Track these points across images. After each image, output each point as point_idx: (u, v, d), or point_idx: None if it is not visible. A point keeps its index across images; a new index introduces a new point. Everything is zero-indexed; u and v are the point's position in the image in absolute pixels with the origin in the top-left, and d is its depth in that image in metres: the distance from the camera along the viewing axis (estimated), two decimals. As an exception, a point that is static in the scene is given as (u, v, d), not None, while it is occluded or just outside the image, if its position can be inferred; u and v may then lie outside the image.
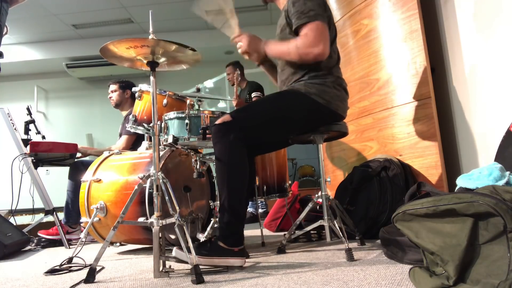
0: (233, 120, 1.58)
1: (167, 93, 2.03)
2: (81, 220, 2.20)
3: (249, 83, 3.93)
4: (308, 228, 1.83)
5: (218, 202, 1.97)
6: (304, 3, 1.66)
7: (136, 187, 1.50)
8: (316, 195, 1.81)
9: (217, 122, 1.60)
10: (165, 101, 2.01)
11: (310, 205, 1.82)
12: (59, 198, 3.03)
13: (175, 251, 1.44)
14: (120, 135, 3.12)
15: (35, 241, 2.81)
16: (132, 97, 3.29)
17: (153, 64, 1.57)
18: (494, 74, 1.84)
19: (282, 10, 1.80)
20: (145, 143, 2.40)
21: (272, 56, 1.81)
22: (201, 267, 1.34)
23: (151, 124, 1.67)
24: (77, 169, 2.78)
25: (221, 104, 5.98)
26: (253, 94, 3.73)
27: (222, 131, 1.57)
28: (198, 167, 1.96)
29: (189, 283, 1.30)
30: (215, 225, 1.99)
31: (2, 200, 3.07)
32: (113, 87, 3.23)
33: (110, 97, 3.24)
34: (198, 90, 2.18)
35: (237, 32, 1.79)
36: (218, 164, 1.57)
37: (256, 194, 2.20)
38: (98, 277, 1.46)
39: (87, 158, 3.15)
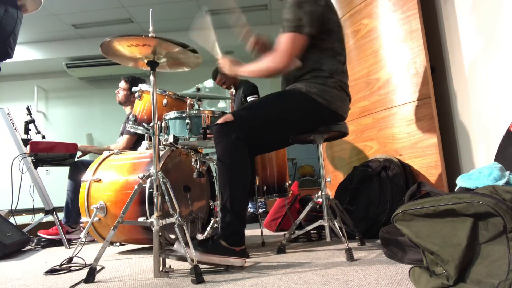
0: (234, 120, 1.59)
1: (167, 93, 2.03)
2: (81, 220, 2.20)
3: (242, 82, 3.79)
4: (308, 228, 1.83)
5: (218, 202, 1.97)
6: (293, 10, 1.66)
7: (136, 187, 1.50)
8: (316, 195, 1.81)
9: (219, 121, 1.60)
10: (165, 101, 2.01)
11: (310, 205, 1.82)
12: (59, 198, 3.03)
13: (176, 246, 1.44)
14: (122, 134, 3.12)
15: (35, 241, 2.81)
16: None
17: (153, 64, 1.57)
18: (494, 74, 1.84)
19: None
20: (145, 143, 2.40)
21: (244, 75, 1.87)
22: (201, 267, 1.34)
23: (151, 124, 1.67)
24: (77, 169, 2.78)
25: (221, 104, 5.98)
26: (249, 98, 3.62)
27: (224, 130, 1.57)
28: (198, 167, 1.97)
29: (189, 283, 1.30)
30: (215, 225, 1.99)
31: (2, 200, 3.06)
32: (124, 85, 3.19)
33: (117, 92, 3.22)
34: (198, 90, 2.18)
35: (220, 56, 1.91)
36: (220, 164, 1.57)
37: (256, 194, 2.20)
38: (98, 277, 1.47)
39: (87, 158, 3.15)
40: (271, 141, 1.95)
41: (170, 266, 1.53)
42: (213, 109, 2.14)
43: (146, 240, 2.14)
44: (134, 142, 2.97)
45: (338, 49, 1.78)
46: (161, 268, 1.47)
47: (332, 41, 1.75)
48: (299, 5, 1.66)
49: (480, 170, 1.22)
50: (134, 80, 3.17)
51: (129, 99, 3.19)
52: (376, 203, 2.05)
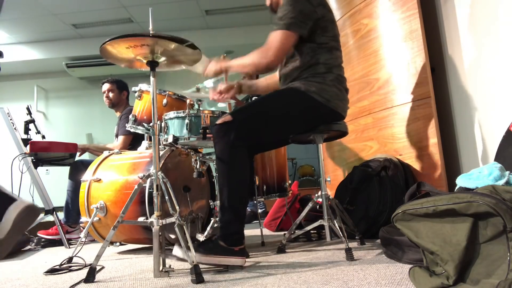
0: (233, 120, 1.59)
1: (167, 92, 2.03)
2: (81, 220, 2.20)
3: None
4: (308, 228, 1.83)
5: (218, 201, 1.97)
6: (286, 8, 1.67)
7: (136, 186, 1.50)
8: (316, 195, 1.81)
9: (218, 122, 1.61)
10: (165, 100, 2.01)
11: (310, 204, 1.82)
12: (59, 198, 3.03)
13: (175, 250, 1.44)
14: (116, 136, 3.11)
15: (35, 240, 2.81)
16: (128, 98, 3.26)
17: (153, 64, 1.57)
18: (494, 74, 1.84)
19: None
20: (145, 143, 2.39)
21: (234, 69, 1.82)
22: (201, 266, 1.34)
23: (151, 124, 1.67)
24: (77, 169, 2.78)
25: (221, 104, 5.97)
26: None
27: (223, 131, 1.58)
28: (198, 166, 1.97)
29: (189, 283, 1.30)
30: (215, 225, 1.99)
31: (2, 200, 3.05)
32: (110, 86, 3.17)
33: (106, 96, 3.19)
34: (198, 90, 2.18)
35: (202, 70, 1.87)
36: (219, 163, 1.58)
37: (256, 194, 2.20)
38: (98, 276, 1.47)
39: (87, 158, 3.15)
40: (271, 141, 1.95)
41: (170, 266, 1.52)
42: (212, 109, 2.14)
43: (146, 240, 2.14)
44: (132, 142, 2.97)
45: (334, 44, 1.78)
46: (161, 268, 1.47)
47: (327, 36, 1.75)
48: (292, 3, 1.67)
49: (480, 170, 1.22)
50: (118, 81, 3.17)
51: (121, 98, 3.17)
52: (376, 203, 2.05)
